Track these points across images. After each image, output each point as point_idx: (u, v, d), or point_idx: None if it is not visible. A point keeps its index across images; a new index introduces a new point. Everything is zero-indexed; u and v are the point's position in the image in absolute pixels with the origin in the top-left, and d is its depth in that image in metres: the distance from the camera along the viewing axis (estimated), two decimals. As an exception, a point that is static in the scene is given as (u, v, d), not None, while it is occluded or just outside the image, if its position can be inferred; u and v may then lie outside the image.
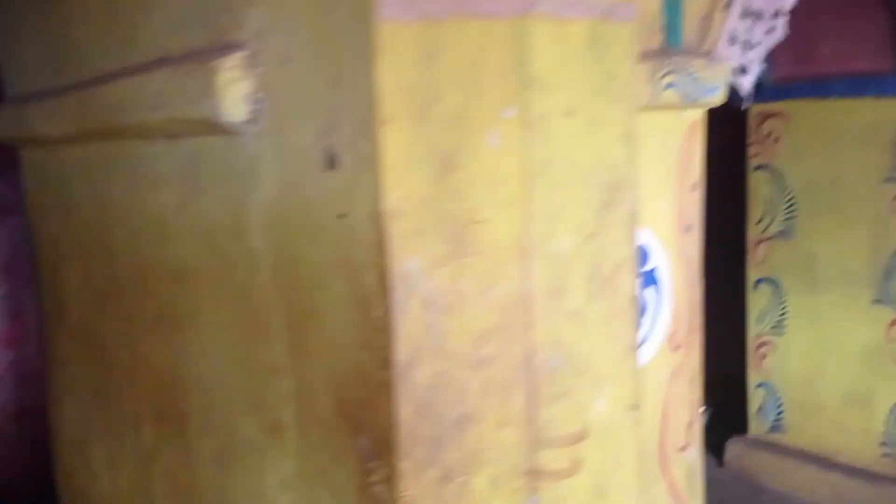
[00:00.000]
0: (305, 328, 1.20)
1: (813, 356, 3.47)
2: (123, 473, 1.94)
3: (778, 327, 3.58)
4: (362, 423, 1.11)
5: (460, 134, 1.02)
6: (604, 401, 1.19)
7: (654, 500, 2.08)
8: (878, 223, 3.18)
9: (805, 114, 3.36)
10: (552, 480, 1.15)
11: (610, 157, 1.15)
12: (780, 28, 2.15)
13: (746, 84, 2.10)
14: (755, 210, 3.59)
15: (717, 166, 4.05)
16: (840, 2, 3.07)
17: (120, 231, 1.76)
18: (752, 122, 3.54)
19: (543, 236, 1.09)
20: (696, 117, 2.04)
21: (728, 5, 2.03)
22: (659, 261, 2.02)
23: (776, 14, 2.10)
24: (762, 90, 3.45)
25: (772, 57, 3.41)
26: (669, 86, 1.89)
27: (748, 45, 2.13)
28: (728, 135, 3.63)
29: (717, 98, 2.04)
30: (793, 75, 3.34)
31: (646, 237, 1.99)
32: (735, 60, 2.08)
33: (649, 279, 2.00)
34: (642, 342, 2.02)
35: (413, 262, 1.03)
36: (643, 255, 1.99)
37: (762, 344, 3.66)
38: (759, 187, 3.56)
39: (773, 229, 3.53)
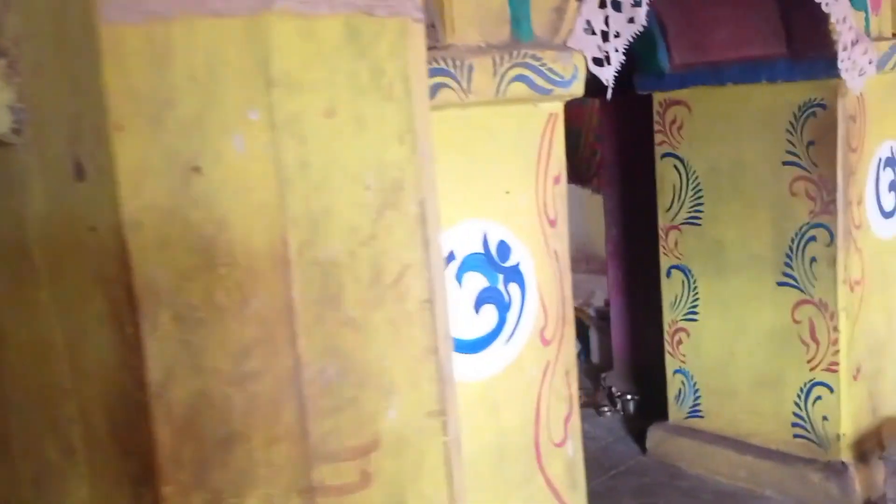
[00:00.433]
0: (80, 347, 1.14)
1: (725, 341, 3.48)
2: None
3: (691, 314, 3.58)
4: (130, 446, 1.06)
5: (200, 139, 0.97)
6: (396, 410, 1.15)
7: (532, 495, 2.07)
8: (778, 206, 3.19)
9: (704, 101, 3.35)
10: (337, 495, 1.10)
11: (385, 158, 1.11)
12: (641, 17, 2.13)
13: (607, 74, 2.08)
14: (664, 197, 3.58)
15: (633, 154, 4.07)
16: (732, -13, 3.07)
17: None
18: (657, 109, 3.52)
19: (306, 243, 1.04)
20: (554, 109, 2.01)
21: (583, -5, 2.00)
22: (522, 256, 1.99)
23: (636, 3, 2.08)
24: (663, 78, 3.46)
25: (670, 45, 3.42)
26: (517, 79, 1.86)
27: (608, 36, 2.10)
28: (642, 123, 3.63)
29: (575, 89, 2.01)
30: (690, 62, 3.33)
31: (506, 233, 1.96)
32: (593, 51, 2.06)
33: (512, 275, 1.97)
34: (509, 338, 1.99)
35: (159, 276, 0.98)
36: (504, 251, 1.96)
37: (677, 331, 3.66)
38: (666, 175, 3.55)
39: (682, 216, 3.52)
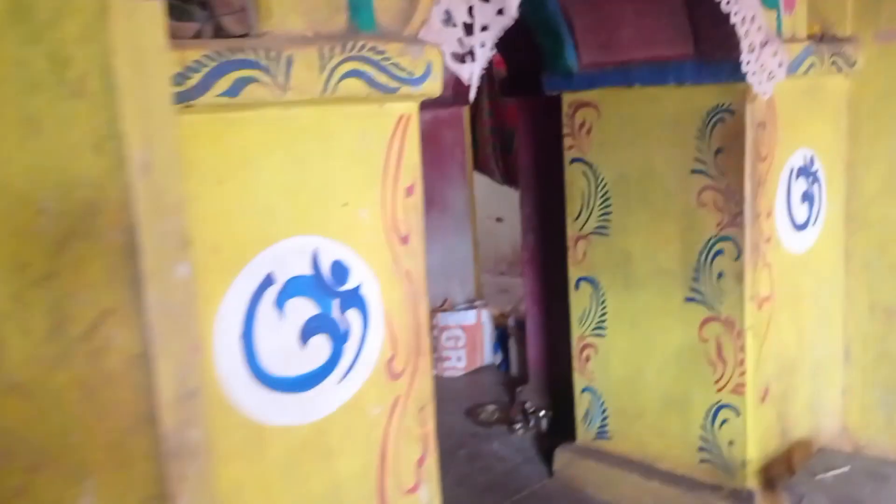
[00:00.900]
0: None
1: (633, 359, 3.28)
2: None
3: (599, 329, 3.38)
4: None
5: None
6: (92, 497, 0.89)
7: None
8: (686, 217, 3.00)
9: (613, 103, 3.14)
10: None
11: (72, 172, 0.85)
12: (512, 9, 1.89)
13: (470, 71, 1.84)
14: (573, 205, 3.37)
15: (550, 158, 3.85)
16: (638, -17, 2.86)
17: None
18: (565, 111, 3.31)
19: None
20: (405, 111, 1.77)
21: (439, -19, 1.76)
22: (364, 277, 1.74)
23: (505, -9, 1.84)
24: (572, 78, 3.24)
25: (578, 42, 3.20)
26: (352, 74, 1.60)
27: (473, 28, 1.87)
28: (559, 125, 3.41)
29: (428, 88, 1.76)
30: (600, 62, 3.12)
31: (343, 251, 1.71)
32: (453, 45, 1.81)
33: (351, 300, 1.72)
34: (346, 372, 1.74)
35: None
36: (341, 273, 1.71)
37: (585, 346, 3.46)
38: (575, 181, 3.34)
39: (591, 225, 3.32)
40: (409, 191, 1.78)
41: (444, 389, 4.91)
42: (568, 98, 3.29)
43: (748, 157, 2.80)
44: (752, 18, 2.60)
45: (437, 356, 5.09)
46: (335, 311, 1.68)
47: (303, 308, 1.65)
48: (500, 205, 6.68)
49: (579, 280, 3.42)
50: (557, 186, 3.45)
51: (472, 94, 1.85)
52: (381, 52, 1.63)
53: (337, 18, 1.60)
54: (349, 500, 1.71)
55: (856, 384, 3.38)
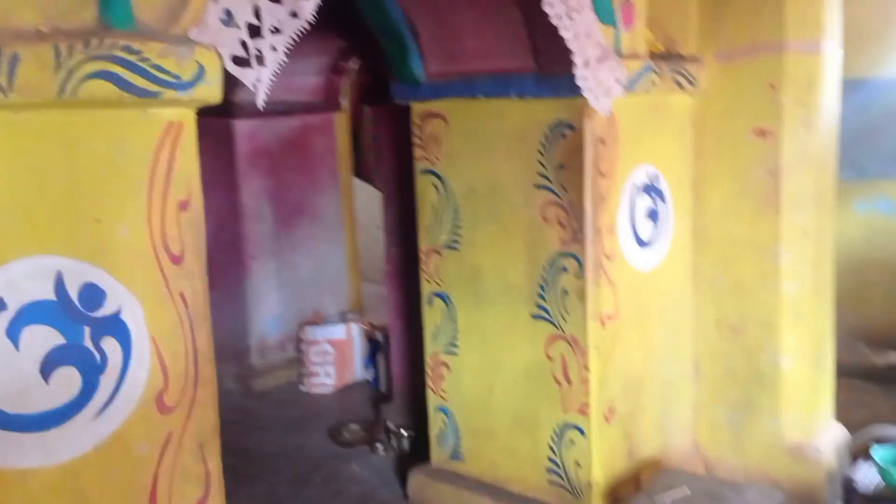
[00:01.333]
0: None
1: (483, 377, 3.19)
2: None
3: (452, 346, 3.28)
4: None
5: None
6: None
7: None
8: (532, 233, 2.93)
9: (460, 114, 3.06)
10: None
11: None
12: (307, 12, 1.76)
13: (255, 76, 1.69)
14: (424, 218, 3.26)
15: (407, 169, 3.73)
16: (478, -7, 2.78)
17: None
18: (415, 122, 3.20)
19: None
20: (175, 117, 1.60)
21: (215, -24, 1.61)
22: (123, 302, 1.56)
23: (299, -8, 1.71)
24: (419, 88, 3.14)
25: (423, 51, 3.10)
26: (99, 76, 1.43)
27: (260, 31, 1.72)
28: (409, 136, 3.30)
29: (202, 93, 1.61)
30: (444, 72, 3.03)
31: (96, 273, 1.53)
32: (234, 47, 1.67)
33: (107, 327, 1.54)
34: (104, 407, 1.56)
35: None
36: (94, 297, 1.53)
37: (438, 364, 3.35)
38: (426, 193, 3.24)
39: (442, 239, 3.21)
40: (183, 205, 1.62)
41: (311, 407, 4.72)
42: (417, 108, 3.19)
43: (588, 173, 2.75)
44: (588, 34, 2.55)
45: (306, 372, 4.90)
46: (87, 340, 1.50)
47: (43, 337, 1.46)
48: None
49: (432, 295, 3.31)
50: (410, 200, 3.34)
51: (260, 101, 1.70)
52: (137, 52, 1.46)
53: (83, 13, 1.43)
54: (106, 551, 1.53)
55: (705, 401, 3.39)
